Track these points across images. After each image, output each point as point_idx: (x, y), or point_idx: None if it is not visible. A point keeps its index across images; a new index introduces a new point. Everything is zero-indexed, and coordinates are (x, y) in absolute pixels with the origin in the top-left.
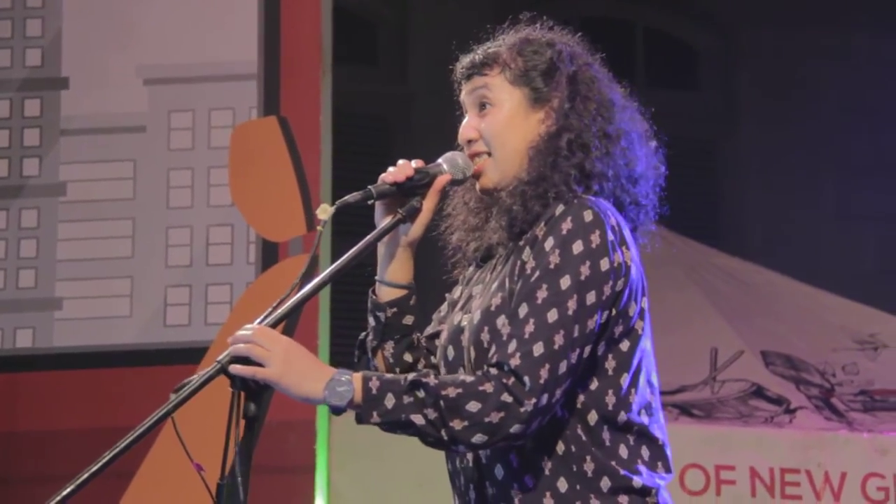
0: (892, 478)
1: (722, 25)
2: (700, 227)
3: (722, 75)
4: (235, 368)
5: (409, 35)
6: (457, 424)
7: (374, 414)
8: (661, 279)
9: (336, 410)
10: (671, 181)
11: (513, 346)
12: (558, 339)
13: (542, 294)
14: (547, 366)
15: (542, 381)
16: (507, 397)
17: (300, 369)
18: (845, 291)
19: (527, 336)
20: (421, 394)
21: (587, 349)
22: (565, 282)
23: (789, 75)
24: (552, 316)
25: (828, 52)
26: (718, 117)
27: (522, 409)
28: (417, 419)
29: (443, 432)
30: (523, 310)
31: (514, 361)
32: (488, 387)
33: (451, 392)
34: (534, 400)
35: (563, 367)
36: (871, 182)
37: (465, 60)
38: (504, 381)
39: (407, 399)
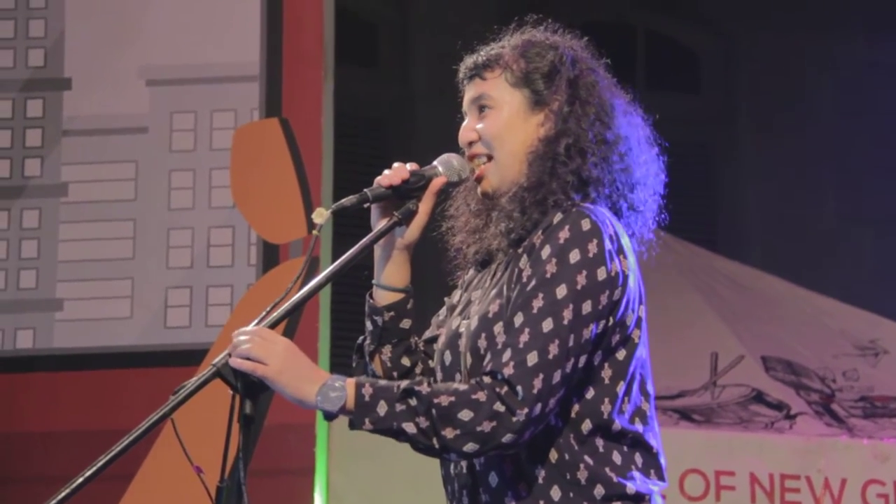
0: (892, 484)
1: (723, 29)
2: (700, 232)
3: (722, 79)
4: (235, 362)
5: (411, 37)
6: (449, 433)
7: (367, 421)
8: (661, 284)
9: (328, 416)
10: (671, 185)
11: (507, 355)
12: (553, 349)
13: (537, 303)
14: (541, 375)
15: (535, 391)
16: (499, 406)
17: (297, 370)
18: (846, 296)
19: (521, 345)
20: (413, 402)
21: (582, 359)
22: (561, 291)
23: (789, 79)
24: (547, 325)
25: (827, 56)
26: (718, 121)
27: (515, 419)
28: (409, 427)
29: (434, 440)
30: (519, 318)
31: (508, 371)
32: (481, 395)
33: (444, 400)
34: (526, 410)
35: (557, 376)
36: (872, 186)
37: (468, 62)
38: (497, 390)
39: (399, 407)
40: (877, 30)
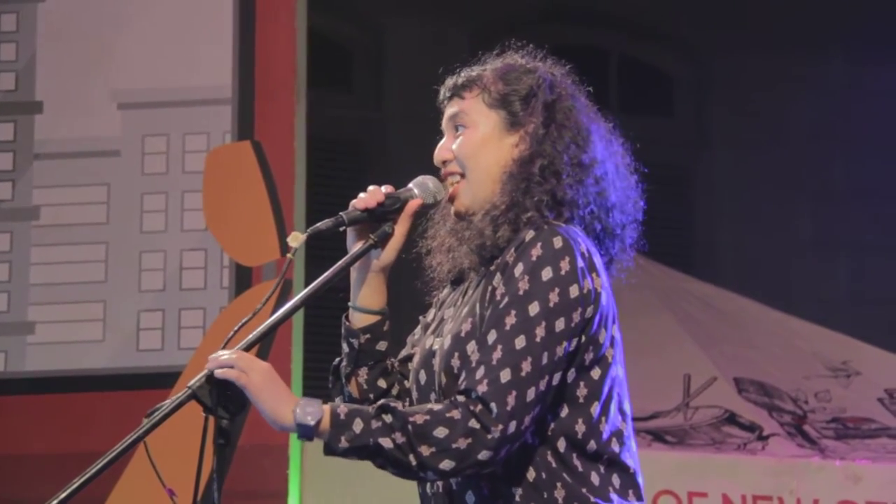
0: None
1: (696, 53)
2: (673, 254)
3: (696, 102)
4: (220, 372)
5: (384, 60)
6: (425, 450)
7: (343, 439)
8: (635, 305)
9: (304, 432)
10: (644, 207)
11: (480, 372)
12: (525, 367)
13: (510, 320)
14: (514, 392)
15: (508, 409)
16: (474, 423)
17: (277, 390)
18: (818, 318)
19: (494, 362)
20: (389, 418)
21: (557, 376)
22: (534, 308)
23: (763, 103)
24: (520, 343)
25: (802, 79)
26: (692, 144)
27: (490, 436)
28: (386, 442)
29: (411, 457)
30: (492, 336)
31: (482, 388)
32: (455, 413)
33: (419, 419)
34: (501, 426)
35: (531, 394)
36: (845, 209)
37: (448, 82)
38: (471, 408)
39: (375, 423)
40: (853, 52)
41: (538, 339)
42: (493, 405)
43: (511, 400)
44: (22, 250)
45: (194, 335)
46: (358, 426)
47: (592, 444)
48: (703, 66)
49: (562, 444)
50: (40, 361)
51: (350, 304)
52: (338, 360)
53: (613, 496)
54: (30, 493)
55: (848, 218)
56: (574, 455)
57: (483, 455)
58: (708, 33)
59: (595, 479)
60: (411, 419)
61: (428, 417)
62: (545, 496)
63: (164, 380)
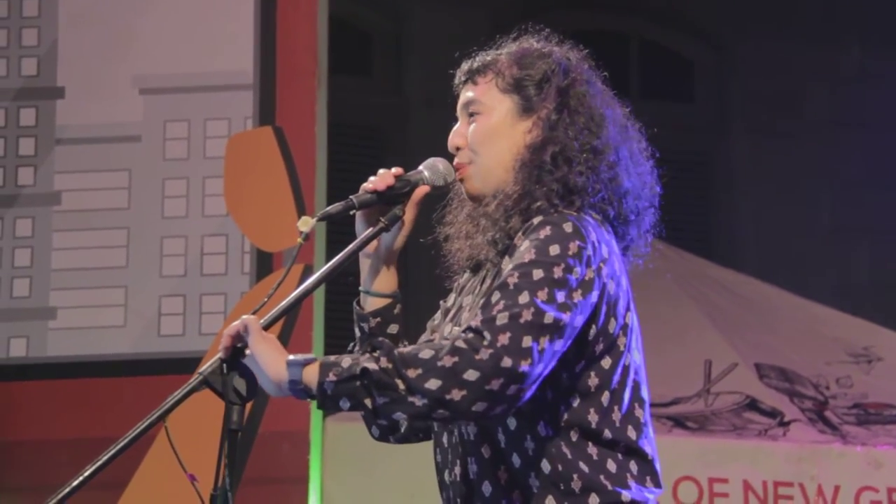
0: (886, 491)
1: (716, 38)
2: (693, 239)
3: (716, 88)
4: (226, 330)
5: (404, 46)
6: (411, 373)
7: (331, 373)
8: (655, 291)
9: (294, 374)
10: (665, 193)
11: (478, 318)
12: (526, 315)
13: (513, 280)
14: (508, 333)
15: (500, 343)
16: (461, 344)
17: (277, 346)
18: (839, 304)
19: (494, 312)
20: (377, 352)
21: (559, 343)
22: (538, 274)
23: (783, 88)
24: (523, 298)
25: (821, 66)
26: (712, 129)
27: (478, 356)
28: (371, 365)
29: (398, 381)
30: (496, 296)
31: (476, 323)
32: (444, 342)
33: (407, 349)
34: (491, 351)
35: (527, 341)
36: (864, 195)
37: (464, 66)
38: (462, 335)
39: (363, 357)
40: (872, 40)
41: (539, 301)
42: (485, 333)
43: (503, 338)
44: (43, 236)
45: (215, 320)
46: (346, 362)
47: (607, 433)
48: (724, 52)
49: (575, 435)
50: (62, 347)
51: (361, 288)
52: (352, 344)
53: (631, 483)
54: (51, 479)
55: (868, 203)
56: (590, 444)
57: (470, 375)
58: (728, 19)
59: (612, 466)
60: (399, 349)
61: (416, 347)
62: (562, 487)
63: (186, 365)
